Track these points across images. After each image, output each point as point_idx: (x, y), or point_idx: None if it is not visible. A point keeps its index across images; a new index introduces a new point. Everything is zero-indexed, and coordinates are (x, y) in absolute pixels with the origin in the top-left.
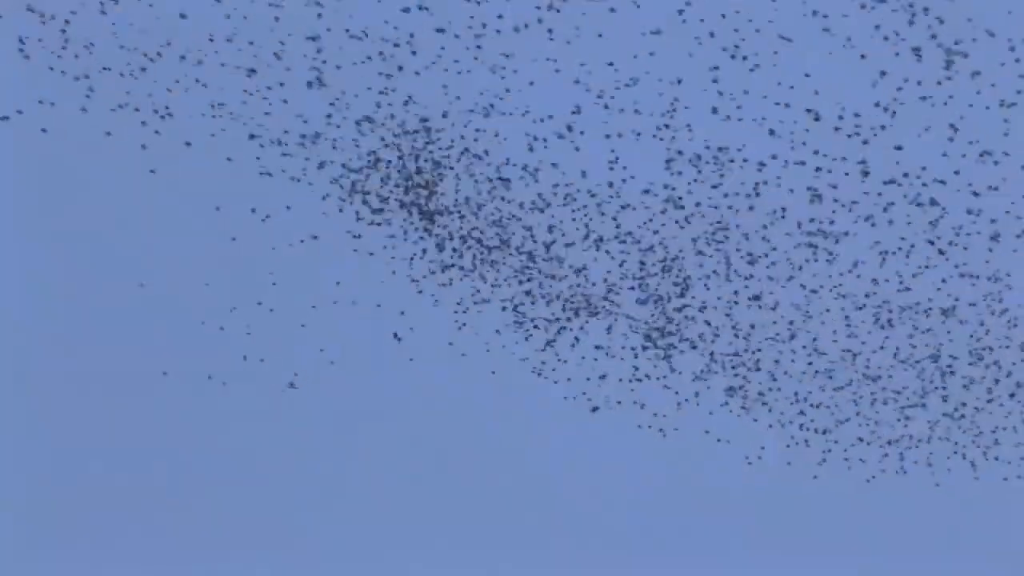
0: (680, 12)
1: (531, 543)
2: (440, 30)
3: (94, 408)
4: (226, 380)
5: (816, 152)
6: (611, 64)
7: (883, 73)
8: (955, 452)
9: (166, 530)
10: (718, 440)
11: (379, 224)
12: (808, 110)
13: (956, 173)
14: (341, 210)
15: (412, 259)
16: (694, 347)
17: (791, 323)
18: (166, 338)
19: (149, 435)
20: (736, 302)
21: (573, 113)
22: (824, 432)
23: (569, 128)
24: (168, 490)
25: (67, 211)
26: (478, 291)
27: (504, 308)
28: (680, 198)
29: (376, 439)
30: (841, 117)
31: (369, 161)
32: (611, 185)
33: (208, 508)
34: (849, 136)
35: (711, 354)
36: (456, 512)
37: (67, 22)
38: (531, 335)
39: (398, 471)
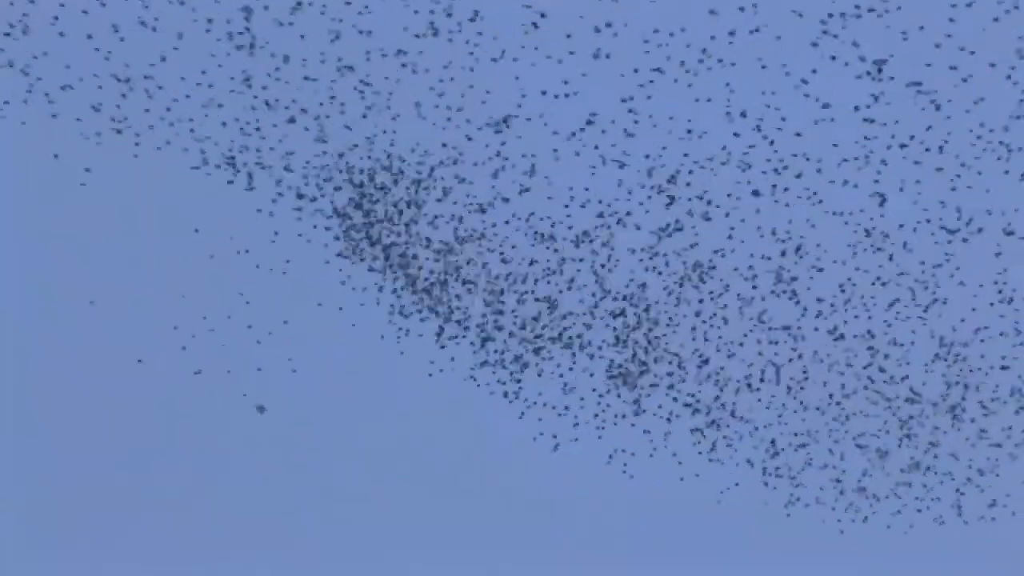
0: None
1: (524, 547)
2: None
3: (93, 409)
4: (226, 381)
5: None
6: (594, 115)
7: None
8: (922, 503)
9: (166, 530)
10: (681, 479)
11: (363, 260)
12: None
13: (928, 221)
14: (327, 244)
15: (397, 292)
16: (671, 388)
17: (761, 351)
18: (165, 340)
19: (149, 435)
20: (703, 340)
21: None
22: (792, 478)
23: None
24: (167, 490)
25: (61, 219)
26: (444, 326)
27: (475, 351)
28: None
29: (371, 441)
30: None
31: (353, 201)
32: (569, 229)
33: (208, 508)
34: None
35: (675, 397)
36: (449, 518)
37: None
38: (499, 364)
39: (390, 475)
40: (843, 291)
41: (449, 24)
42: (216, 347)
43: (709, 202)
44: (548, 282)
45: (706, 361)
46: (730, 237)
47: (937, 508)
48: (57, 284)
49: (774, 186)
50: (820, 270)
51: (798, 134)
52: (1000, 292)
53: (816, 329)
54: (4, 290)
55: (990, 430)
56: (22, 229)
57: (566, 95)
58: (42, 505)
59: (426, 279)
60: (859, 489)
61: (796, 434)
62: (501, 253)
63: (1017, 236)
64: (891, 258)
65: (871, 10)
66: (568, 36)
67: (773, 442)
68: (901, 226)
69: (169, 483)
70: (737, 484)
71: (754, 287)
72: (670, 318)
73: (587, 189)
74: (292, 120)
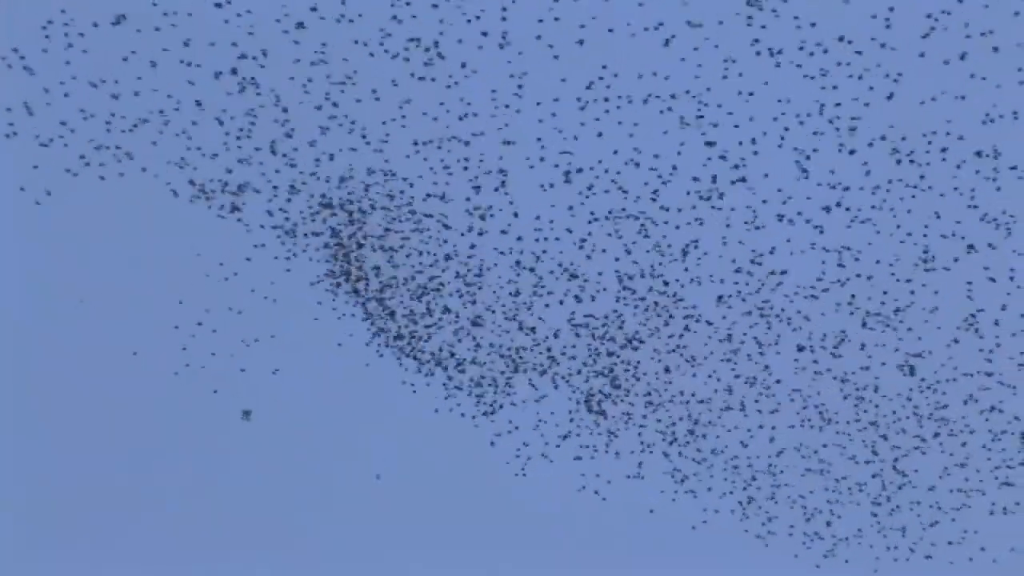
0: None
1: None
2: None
3: (93, 412)
4: (226, 383)
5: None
6: (571, 152)
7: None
8: (889, 540)
9: (166, 530)
10: (650, 512)
11: (346, 293)
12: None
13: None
14: (317, 274)
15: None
16: (645, 417)
17: (737, 373)
18: (163, 342)
19: (149, 437)
20: (676, 366)
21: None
22: (766, 512)
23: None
24: (167, 490)
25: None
26: (421, 352)
27: (448, 380)
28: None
29: (368, 446)
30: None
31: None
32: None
33: (208, 509)
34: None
35: (645, 425)
36: (444, 521)
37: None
38: (474, 387)
39: (387, 479)
40: (809, 297)
41: (435, 70)
42: (215, 353)
43: (696, 243)
44: (528, 309)
45: (680, 391)
46: (699, 261)
47: (905, 543)
48: (58, 294)
49: (755, 216)
50: (788, 287)
51: (754, 143)
52: (971, 326)
53: (796, 360)
54: (9, 298)
55: (960, 461)
56: (26, 248)
57: (556, 131)
58: (42, 505)
59: (406, 310)
60: (828, 523)
61: (770, 465)
62: (479, 278)
63: (985, 245)
64: (858, 275)
65: (849, 65)
66: (563, 80)
67: (750, 465)
68: (869, 244)
69: (169, 484)
70: (717, 511)
71: (726, 313)
72: (642, 341)
73: (554, 206)
74: (286, 155)
